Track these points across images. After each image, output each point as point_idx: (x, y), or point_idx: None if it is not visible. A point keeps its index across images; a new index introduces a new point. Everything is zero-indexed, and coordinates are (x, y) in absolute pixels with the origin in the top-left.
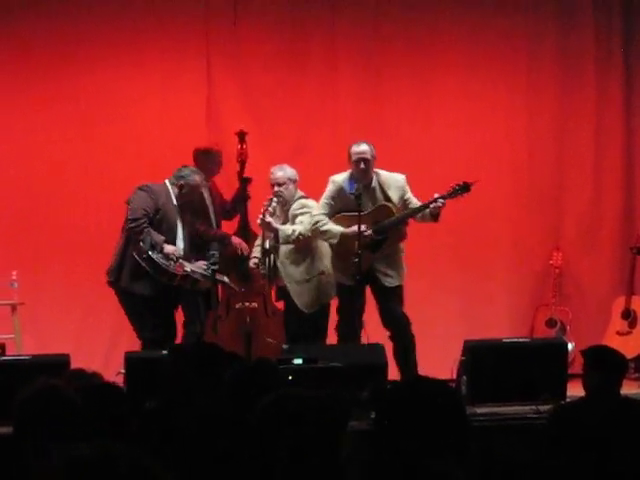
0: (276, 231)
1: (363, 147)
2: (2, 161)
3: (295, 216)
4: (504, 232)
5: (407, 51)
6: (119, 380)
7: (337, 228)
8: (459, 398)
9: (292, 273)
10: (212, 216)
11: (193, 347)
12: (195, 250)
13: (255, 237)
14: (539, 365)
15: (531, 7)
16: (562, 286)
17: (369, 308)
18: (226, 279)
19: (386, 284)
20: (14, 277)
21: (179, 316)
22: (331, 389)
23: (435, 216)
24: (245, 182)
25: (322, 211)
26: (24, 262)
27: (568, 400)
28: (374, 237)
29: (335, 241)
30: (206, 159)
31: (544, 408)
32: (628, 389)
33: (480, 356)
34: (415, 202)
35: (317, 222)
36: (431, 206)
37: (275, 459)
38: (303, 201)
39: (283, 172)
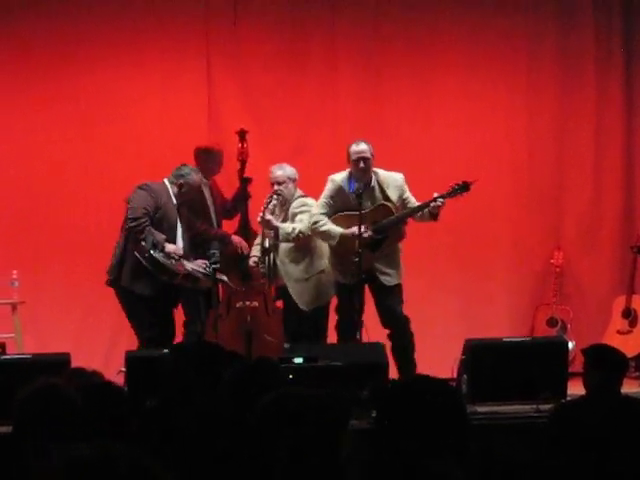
0: (276, 229)
1: (362, 146)
2: (2, 161)
3: (295, 214)
4: (504, 232)
5: (407, 51)
6: (119, 379)
7: (336, 229)
8: (459, 397)
9: (292, 272)
10: (213, 215)
11: (194, 346)
12: (195, 249)
13: (255, 236)
14: (540, 364)
15: (531, 7)
16: (563, 285)
17: (369, 307)
18: (225, 278)
19: (385, 283)
20: (15, 276)
21: (179, 315)
22: (331, 388)
23: (434, 215)
24: (245, 181)
25: (321, 210)
26: (24, 261)
27: (569, 399)
28: (374, 237)
29: (334, 242)
30: (207, 158)
31: (545, 407)
32: (629, 388)
33: (481, 355)
34: (414, 201)
35: (316, 222)
36: (431, 205)
37: (275, 458)
38: (303, 200)
39: (283, 171)
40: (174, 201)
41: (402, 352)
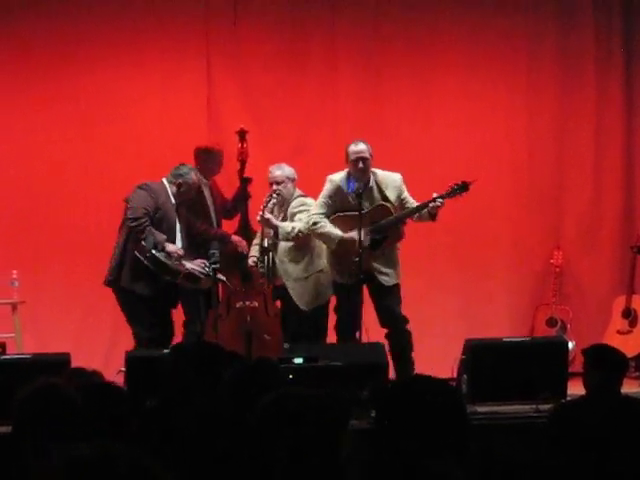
0: (276, 228)
1: (361, 146)
2: (2, 161)
3: (294, 214)
4: (504, 231)
5: (407, 51)
6: (119, 379)
7: (336, 232)
8: (459, 397)
9: (291, 271)
10: (213, 215)
11: (194, 346)
12: (195, 249)
13: (255, 236)
14: (539, 364)
15: (531, 7)
16: (562, 285)
17: (367, 307)
18: (223, 278)
19: (384, 283)
20: (15, 276)
21: (179, 315)
22: (331, 388)
23: (433, 216)
24: (245, 181)
25: (320, 210)
26: (24, 261)
27: (568, 399)
28: (373, 237)
29: (333, 246)
30: (207, 158)
31: (544, 407)
32: (628, 388)
33: (481, 355)
34: (412, 201)
35: (315, 223)
36: (430, 206)
37: (275, 458)
38: (302, 199)
39: (281, 171)
40: (173, 201)
41: (400, 352)
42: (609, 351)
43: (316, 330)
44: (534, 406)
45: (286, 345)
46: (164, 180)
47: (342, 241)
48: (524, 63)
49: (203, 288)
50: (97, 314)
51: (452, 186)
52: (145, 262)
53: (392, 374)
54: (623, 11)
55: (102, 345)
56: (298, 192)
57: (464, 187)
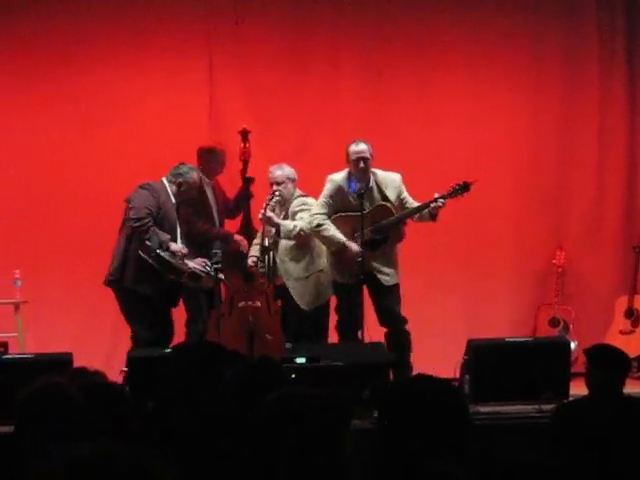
0: (277, 226)
1: (362, 146)
2: (2, 161)
3: (295, 213)
4: (506, 232)
5: (409, 50)
6: (118, 379)
7: (338, 237)
8: (462, 397)
9: (292, 270)
10: (215, 215)
11: (195, 346)
12: (198, 249)
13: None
14: (542, 364)
15: (534, 6)
16: (565, 285)
17: (368, 307)
18: (221, 276)
19: (384, 283)
20: (17, 276)
21: (182, 315)
22: (333, 388)
23: (434, 216)
24: (248, 181)
25: (322, 210)
26: (27, 261)
27: (571, 399)
28: (373, 237)
29: (334, 249)
30: (210, 158)
31: (547, 407)
32: (631, 388)
33: (483, 355)
34: (411, 201)
35: (319, 225)
36: (431, 206)
37: (277, 458)
38: (303, 199)
39: (282, 171)
40: (173, 200)
41: (399, 351)
42: (611, 351)
43: (317, 330)
44: (536, 406)
45: (288, 345)
46: (164, 179)
47: (343, 247)
48: (526, 62)
49: (205, 287)
50: (99, 314)
51: (453, 186)
52: (151, 262)
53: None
54: (626, 10)
55: (104, 345)
56: (298, 192)
57: (465, 187)
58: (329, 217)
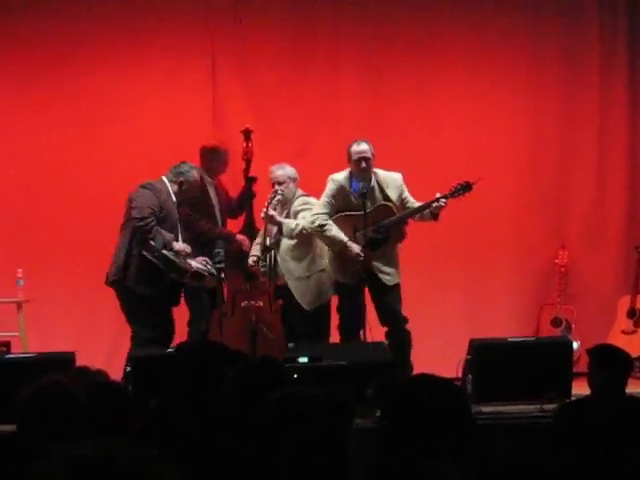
0: (280, 224)
1: (364, 146)
2: (2, 161)
3: (297, 212)
4: (507, 231)
5: (409, 50)
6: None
7: (341, 237)
8: (464, 396)
9: (293, 269)
10: (218, 214)
11: (198, 345)
12: (200, 248)
13: None
14: (544, 364)
15: (534, 6)
16: (567, 285)
17: (369, 306)
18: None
19: (385, 282)
20: (20, 275)
21: (184, 314)
22: (336, 387)
23: (435, 215)
24: (250, 181)
25: (324, 210)
26: (29, 260)
27: (573, 399)
28: (374, 237)
29: (336, 249)
30: (212, 157)
31: (549, 407)
32: (633, 388)
33: (486, 355)
34: (412, 201)
35: (322, 226)
36: (433, 205)
37: (279, 457)
38: (305, 198)
39: (283, 171)
40: (174, 199)
41: (399, 351)
42: (614, 351)
43: (318, 330)
44: (539, 406)
45: (291, 344)
46: (164, 178)
47: (344, 247)
48: (527, 62)
49: (208, 287)
50: (100, 313)
51: (455, 186)
52: (155, 261)
53: None
54: (628, 10)
55: (105, 344)
56: (300, 192)
57: (467, 187)
58: (331, 217)
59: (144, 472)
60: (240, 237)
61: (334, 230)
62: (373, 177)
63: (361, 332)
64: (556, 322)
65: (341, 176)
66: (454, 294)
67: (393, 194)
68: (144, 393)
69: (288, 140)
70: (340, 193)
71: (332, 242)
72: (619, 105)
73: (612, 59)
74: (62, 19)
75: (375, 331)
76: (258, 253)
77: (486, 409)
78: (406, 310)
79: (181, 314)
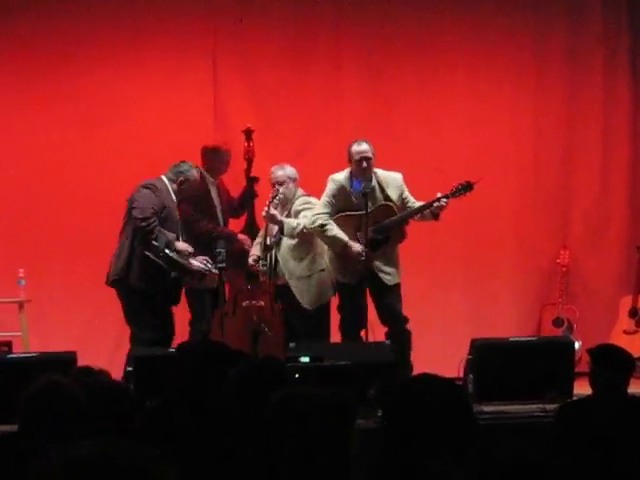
0: (281, 223)
1: (364, 146)
2: (2, 161)
3: (298, 212)
4: (509, 231)
5: (410, 50)
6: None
7: (342, 237)
8: (466, 396)
9: (293, 269)
10: (219, 214)
11: (199, 345)
12: (202, 248)
13: None
14: (546, 364)
15: (535, 5)
16: (569, 285)
17: (370, 306)
18: (216, 271)
19: (386, 282)
20: (21, 274)
21: (185, 314)
22: (337, 387)
23: (436, 215)
24: (252, 180)
25: (324, 210)
26: (28, 261)
27: (575, 398)
28: (375, 237)
29: (337, 249)
30: (214, 157)
31: (551, 406)
32: (635, 388)
33: (487, 355)
34: (412, 200)
35: (322, 226)
36: (434, 205)
37: (281, 457)
38: (306, 198)
39: (283, 171)
40: (173, 198)
41: (399, 350)
42: (616, 351)
43: (318, 329)
44: (540, 406)
45: (292, 344)
46: (164, 178)
47: (345, 247)
48: (529, 62)
49: (209, 287)
50: (102, 313)
51: (456, 186)
52: (158, 261)
53: None
54: (631, 10)
55: (107, 343)
56: (300, 192)
57: (468, 187)
58: (331, 217)
59: (143, 472)
60: (242, 237)
61: (335, 230)
62: (373, 177)
63: (362, 332)
64: (558, 322)
65: (341, 176)
66: (455, 294)
67: (393, 194)
68: (145, 393)
69: (289, 140)
70: (340, 193)
71: (333, 242)
72: (622, 105)
73: (615, 59)
74: (62, 19)
75: (378, 331)
76: (258, 252)
77: (487, 409)
78: (407, 310)
79: (182, 314)
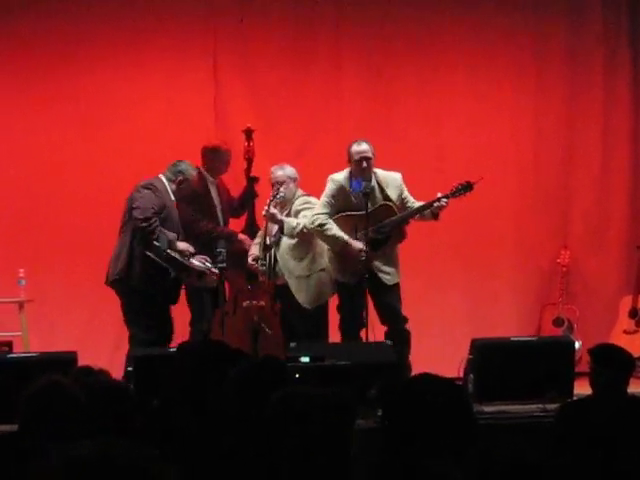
0: (281, 222)
1: (364, 146)
2: (2, 161)
3: (298, 212)
4: (509, 231)
5: (410, 50)
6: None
7: (341, 236)
8: (466, 396)
9: (293, 268)
10: (219, 214)
11: (200, 345)
12: (203, 248)
13: None
14: (546, 363)
15: (535, 5)
16: (569, 285)
17: (370, 306)
18: (215, 270)
19: (385, 282)
20: (22, 274)
21: (185, 314)
22: (338, 387)
23: (436, 215)
24: (252, 180)
25: (324, 210)
26: (28, 261)
27: (575, 398)
28: (375, 236)
29: (337, 248)
30: (214, 157)
31: (551, 406)
32: (635, 388)
33: (487, 354)
34: (412, 200)
35: (322, 225)
36: (434, 205)
37: (281, 457)
38: (306, 197)
39: (283, 171)
40: (172, 197)
41: (398, 350)
42: (616, 350)
43: (317, 330)
44: (541, 406)
45: (293, 344)
46: (162, 177)
47: (346, 245)
48: (529, 62)
49: (209, 286)
50: (102, 313)
51: (456, 186)
52: (160, 262)
53: None
54: (631, 10)
55: (107, 344)
56: (300, 192)
57: (468, 187)
58: (331, 217)
59: (143, 472)
60: (242, 237)
61: (334, 229)
62: (373, 177)
63: (362, 332)
64: (558, 322)
65: (341, 176)
66: (455, 294)
67: (393, 194)
68: (146, 393)
69: (289, 140)
70: (340, 193)
71: (333, 241)
72: (622, 105)
73: (615, 59)
74: (62, 19)
75: (377, 331)
76: (257, 252)
77: (488, 409)
78: (406, 310)
79: (182, 314)
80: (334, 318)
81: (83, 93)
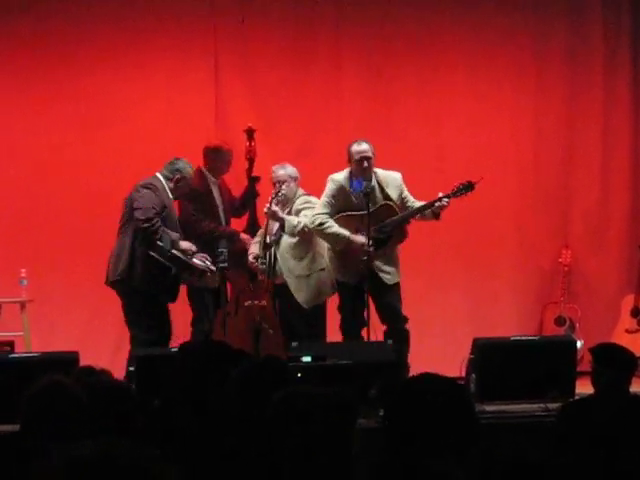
0: (282, 220)
1: (365, 146)
2: (2, 161)
3: (299, 211)
4: (510, 231)
5: (410, 50)
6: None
7: (343, 233)
8: (468, 395)
9: (293, 267)
10: (221, 214)
11: (201, 345)
12: (203, 247)
13: None
14: (548, 363)
15: (535, 5)
16: (571, 284)
17: (371, 306)
18: (213, 268)
19: (385, 281)
20: (23, 275)
21: (187, 314)
22: (339, 387)
23: (437, 215)
24: (254, 180)
25: (324, 210)
26: (29, 261)
27: (577, 398)
28: (377, 236)
29: (340, 246)
30: (216, 157)
31: (553, 406)
32: (637, 387)
33: (489, 354)
34: (412, 199)
35: (322, 224)
36: (435, 205)
37: (283, 457)
38: (306, 197)
39: (284, 170)
40: (170, 196)
41: (398, 348)
42: (617, 350)
43: (315, 329)
44: (542, 405)
45: (294, 344)
46: (159, 175)
47: (348, 241)
48: (529, 62)
49: (211, 286)
50: (103, 313)
51: (457, 186)
52: (163, 262)
53: None
54: (632, 9)
55: (109, 344)
56: (301, 191)
57: (469, 187)
58: (331, 217)
59: (144, 472)
60: (244, 236)
61: (335, 227)
62: (373, 177)
63: (364, 332)
64: (560, 321)
65: (341, 176)
66: (456, 294)
67: (393, 193)
68: (147, 393)
69: (289, 140)
70: (340, 193)
71: (335, 239)
72: (622, 105)
73: (615, 59)
74: (62, 19)
75: (378, 331)
76: (257, 250)
77: (489, 408)
78: (407, 310)
79: (184, 314)
80: (333, 318)
81: (83, 93)
